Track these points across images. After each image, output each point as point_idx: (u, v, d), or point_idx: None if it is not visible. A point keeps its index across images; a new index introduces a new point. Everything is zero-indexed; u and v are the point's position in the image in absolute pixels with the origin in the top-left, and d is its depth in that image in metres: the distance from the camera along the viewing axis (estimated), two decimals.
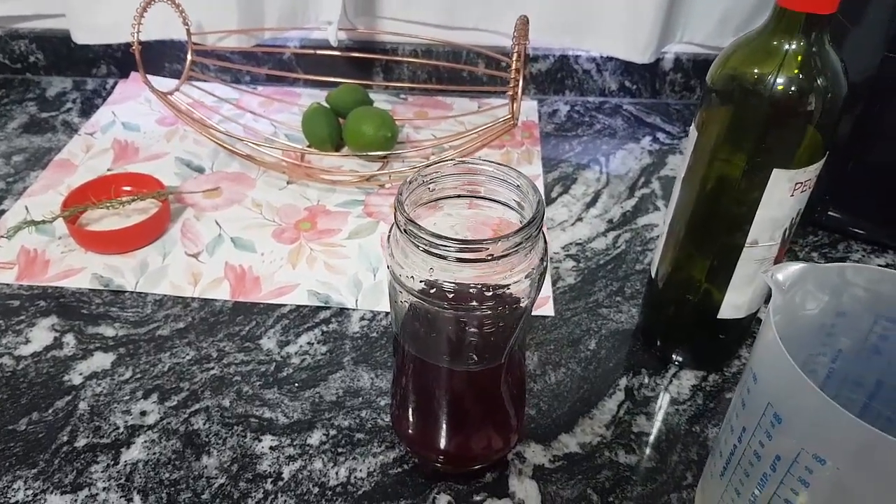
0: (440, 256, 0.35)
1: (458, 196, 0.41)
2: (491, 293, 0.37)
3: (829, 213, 0.67)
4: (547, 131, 0.80)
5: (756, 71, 0.41)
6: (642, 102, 0.85)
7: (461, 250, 0.35)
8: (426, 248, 0.35)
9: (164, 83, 0.84)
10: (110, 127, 0.77)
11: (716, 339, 0.52)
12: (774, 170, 0.42)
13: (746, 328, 0.52)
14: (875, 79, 0.60)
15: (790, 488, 0.33)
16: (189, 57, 0.74)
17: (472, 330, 0.39)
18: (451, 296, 0.37)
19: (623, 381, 0.52)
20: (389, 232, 0.39)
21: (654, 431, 0.49)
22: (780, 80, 0.40)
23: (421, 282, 0.37)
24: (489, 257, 0.35)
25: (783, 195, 0.43)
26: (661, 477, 0.46)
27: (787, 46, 0.40)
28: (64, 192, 0.68)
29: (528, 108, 0.82)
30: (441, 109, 0.82)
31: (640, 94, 0.85)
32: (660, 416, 0.50)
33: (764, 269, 0.46)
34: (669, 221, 0.49)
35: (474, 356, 0.40)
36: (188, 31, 0.73)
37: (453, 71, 0.83)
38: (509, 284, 0.37)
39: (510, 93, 0.60)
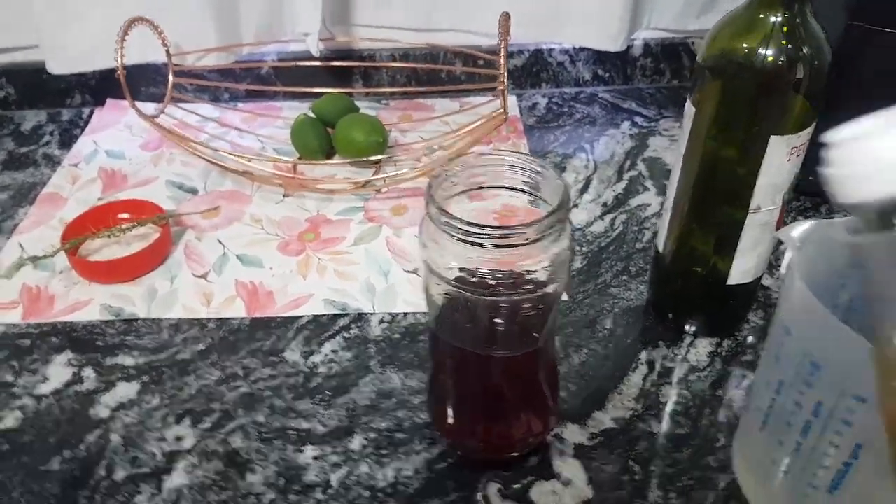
0: (477, 244, 0.36)
1: (481, 188, 0.42)
2: (527, 278, 0.39)
3: (809, 178, 0.70)
4: (529, 124, 0.81)
5: (745, 45, 0.43)
6: (616, 89, 0.87)
7: (499, 237, 0.36)
8: (462, 237, 0.36)
9: (143, 108, 0.83)
10: (94, 156, 0.76)
11: (726, 306, 0.54)
12: (772, 137, 0.44)
13: (753, 293, 0.55)
14: (840, 47, 0.63)
15: (834, 431, 0.35)
16: (171, 78, 0.73)
17: (511, 315, 0.40)
18: (490, 283, 0.38)
19: (643, 355, 0.54)
20: (420, 227, 0.40)
21: (681, 399, 0.51)
22: (769, 52, 0.42)
23: (459, 271, 0.38)
24: (526, 241, 0.37)
25: (781, 160, 0.45)
26: (694, 441, 0.48)
27: (772, 19, 0.42)
28: (57, 225, 0.66)
29: (509, 104, 0.84)
30: (424, 111, 0.83)
31: (613, 82, 0.87)
32: (683, 385, 0.52)
33: (768, 232, 0.49)
34: (673, 199, 0.51)
35: (514, 341, 0.41)
36: (167, 52, 0.72)
37: (432, 73, 0.84)
38: (544, 268, 0.38)
39: (500, 87, 0.61)
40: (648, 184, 0.72)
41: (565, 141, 0.78)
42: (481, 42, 0.83)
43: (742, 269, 0.51)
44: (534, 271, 0.38)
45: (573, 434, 0.49)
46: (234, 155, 0.66)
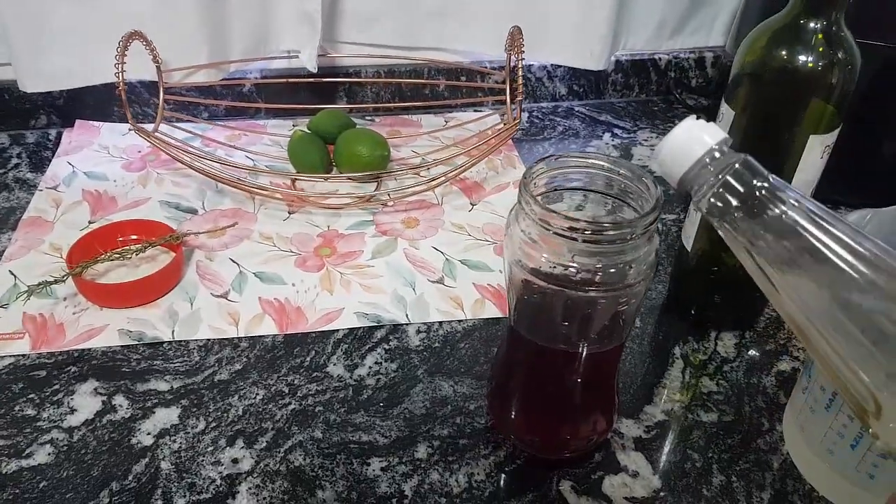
0: (573, 239, 0.38)
1: (555, 189, 0.43)
2: (618, 274, 0.40)
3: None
4: (516, 137, 0.84)
5: (785, 52, 0.47)
6: (590, 103, 0.91)
7: (595, 232, 0.38)
8: (559, 231, 0.37)
9: (116, 128, 0.79)
10: (73, 179, 0.71)
11: (750, 300, 0.58)
12: (811, 136, 0.48)
13: None
14: None
15: None
16: (162, 95, 0.70)
17: (601, 312, 0.41)
18: (581, 278, 0.39)
19: (677, 350, 0.57)
20: (508, 222, 0.41)
21: (721, 389, 0.54)
22: (811, 58, 0.46)
23: (551, 266, 0.39)
24: (622, 239, 0.38)
25: (816, 158, 0.49)
26: (742, 427, 0.51)
27: (812, 26, 0.46)
28: (48, 250, 0.62)
29: (492, 119, 0.86)
30: (411, 127, 0.83)
31: (587, 97, 0.91)
32: (720, 375, 0.55)
33: None
34: None
35: (598, 338, 0.42)
36: (158, 69, 0.69)
37: (416, 88, 0.85)
38: (635, 265, 0.40)
39: (519, 98, 0.63)
40: None
41: (555, 152, 0.81)
42: (464, 60, 0.85)
43: None
44: (626, 268, 0.40)
45: (630, 428, 0.50)
46: (251, 169, 0.64)
